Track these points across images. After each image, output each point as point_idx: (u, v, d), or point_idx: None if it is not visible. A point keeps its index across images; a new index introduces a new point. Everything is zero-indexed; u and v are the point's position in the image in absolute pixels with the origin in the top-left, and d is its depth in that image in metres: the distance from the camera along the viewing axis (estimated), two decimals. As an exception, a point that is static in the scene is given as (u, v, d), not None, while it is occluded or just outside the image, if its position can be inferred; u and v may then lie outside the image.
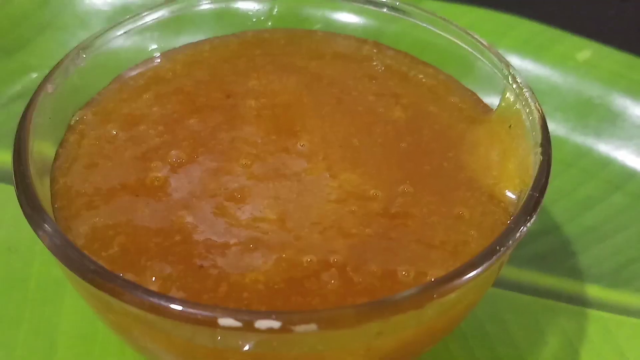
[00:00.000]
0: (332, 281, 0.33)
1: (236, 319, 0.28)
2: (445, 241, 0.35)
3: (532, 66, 0.60)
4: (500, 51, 0.42)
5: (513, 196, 0.37)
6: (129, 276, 0.33)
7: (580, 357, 0.44)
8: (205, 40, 0.47)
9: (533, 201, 0.33)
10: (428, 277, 0.33)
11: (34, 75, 0.58)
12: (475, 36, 0.43)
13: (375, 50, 0.47)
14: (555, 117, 0.57)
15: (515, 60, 0.57)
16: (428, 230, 0.36)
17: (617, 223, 0.51)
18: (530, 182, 0.36)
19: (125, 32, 0.44)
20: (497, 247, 0.31)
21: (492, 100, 0.42)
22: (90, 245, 0.34)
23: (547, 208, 0.52)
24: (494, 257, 0.30)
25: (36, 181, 0.34)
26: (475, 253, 0.33)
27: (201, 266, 0.33)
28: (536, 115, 0.38)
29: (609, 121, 0.56)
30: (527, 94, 0.39)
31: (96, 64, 0.43)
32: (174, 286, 0.32)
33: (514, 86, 0.40)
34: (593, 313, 0.46)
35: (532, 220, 0.32)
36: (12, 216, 0.46)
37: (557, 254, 0.49)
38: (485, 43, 0.42)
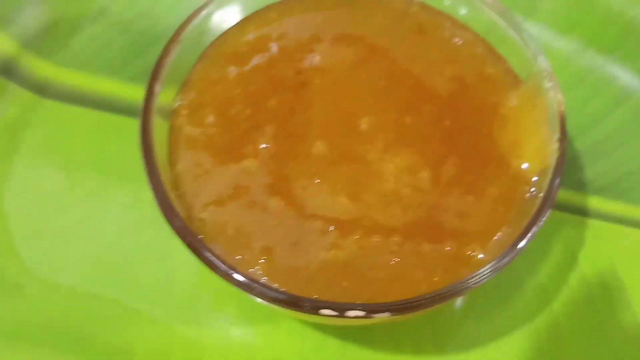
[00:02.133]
0: (395, 259, 0.45)
1: (332, 309, 0.41)
2: (481, 217, 0.46)
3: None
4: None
5: (533, 177, 0.47)
6: (246, 256, 0.45)
7: (578, 261, 0.57)
8: (271, 6, 0.53)
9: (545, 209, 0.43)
10: (466, 251, 0.45)
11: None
12: (512, 14, 0.50)
13: (420, 13, 0.53)
14: (575, 30, 0.64)
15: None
16: (466, 207, 0.46)
17: (620, 137, 0.61)
18: (548, 168, 0.46)
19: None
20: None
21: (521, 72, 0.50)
22: (212, 229, 0.45)
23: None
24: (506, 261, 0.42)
25: (168, 188, 0.44)
26: (502, 226, 0.44)
27: (295, 246, 0.45)
28: (556, 107, 0.47)
29: (623, 37, 0.63)
30: (550, 84, 0.47)
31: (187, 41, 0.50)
32: (279, 265, 0.44)
33: (540, 71, 0.48)
34: (591, 222, 0.58)
35: (542, 224, 0.43)
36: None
37: (567, 167, 0.60)
38: (520, 23, 0.49)
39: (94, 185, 0.56)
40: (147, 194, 0.44)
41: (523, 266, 0.55)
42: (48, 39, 0.62)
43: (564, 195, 0.58)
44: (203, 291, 0.53)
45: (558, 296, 0.55)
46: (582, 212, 0.58)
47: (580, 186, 0.59)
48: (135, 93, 0.60)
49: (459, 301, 0.54)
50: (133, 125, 0.47)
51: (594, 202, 0.58)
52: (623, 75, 0.62)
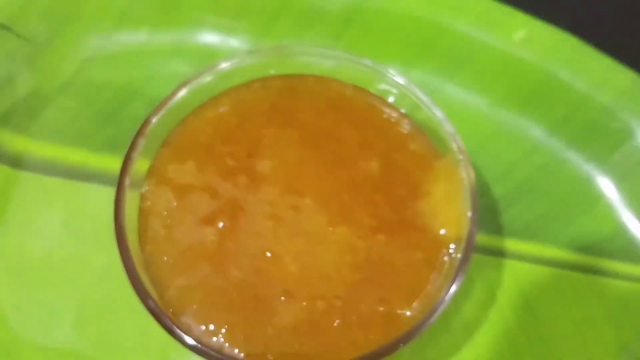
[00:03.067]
0: (338, 320, 0.53)
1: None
2: (407, 279, 0.55)
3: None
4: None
5: (452, 242, 0.56)
6: (209, 327, 0.53)
7: (497, 299, 0.66)
8: (224, 93, 0.61)
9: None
10: (396, 311, 0.54)
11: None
12: (431, 101, 0.58)
13: (355, 96, 0.62)
14: (494, 87, 0.72)
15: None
16: (395, 272, 0.55)
17: (530, 184, 0.70)
18: (463, 234, 0.55)
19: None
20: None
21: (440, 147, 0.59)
22: (179, 304, 0.54)
23: (481, 173, 0.70)
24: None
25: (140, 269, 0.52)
26: (429, 288, 0.54)
27: (254, 312, 0.53)
28: (467, 182, 0.55)
29: (534, 92, 0.72)
30: (464, 161, 0.56)
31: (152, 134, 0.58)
32: (239, 332, 0.53)
33: (455, 149, 0.57)
34: (508, 263, 0.67)
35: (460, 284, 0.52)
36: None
37: (486, 213, 0.69)
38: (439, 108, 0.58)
39: (72, 250, 0.63)
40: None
41: (449, 306, 0.64)
42: (20, 113, 0.68)
43: (483, 239, 0.67)
44: (176, 350, 0.60)
45: (480, 331, 0.64)
46: (500, 253, 0.67)
47: (498, 230, 0.68)
48: (104, 161, 0.67)
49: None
50: (104, 192, 0.57)
51: (510, 244, 0.68)
52: (534, 129, 0.71)
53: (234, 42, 0.72)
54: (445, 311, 0.62)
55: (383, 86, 0.60)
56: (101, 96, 0.70)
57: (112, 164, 0.66)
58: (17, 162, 0.66)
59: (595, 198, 0.69)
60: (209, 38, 0.72)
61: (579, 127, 0.71)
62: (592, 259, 0.67)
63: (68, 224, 0.64)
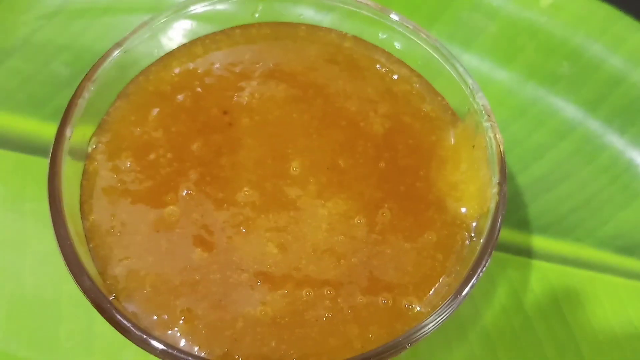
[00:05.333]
0: (327, 314, 0.41)
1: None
2: (418, 266, 0.43)
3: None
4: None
5: (473, 221, 0.44)
6: (162, 316, 0.41)
7: (523, 305, 0.54)
8: (197, 40, 0.50)
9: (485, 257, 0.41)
10: (403, 304, 0.42)
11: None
12: (449, 50, 0.47)
13: (354, 48, 0.51)
14: (516, 61, 0.62)
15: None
16: (403, 256, 0.44)
17: (562, 172, 0.59)
18: (488, 212, 0.43)
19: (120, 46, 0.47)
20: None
21: (460, 109, 0.48)
22: (127, 286, 0.42)
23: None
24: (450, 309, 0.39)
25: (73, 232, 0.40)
26: (441, 276, 0.42)
27: (220, 303, 0.41)
28: (495, 148, 0.44)
29: (566, 68, 0.61)
30: (489, 124, 0.45)
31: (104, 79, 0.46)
32: (201, 325, 0.41)
33: (478, 110, 0.45)
34: (536, 263, 0.56)
35: (482, 274, 0.40)
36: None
37: (510, 205, 0.58)
38: (457, 58, 0.47)
39: (10, 233, 0.52)
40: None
41: (466, 311, 0.52)
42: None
43: (506, 235, 0.56)
44: (125, 347, 0.49)
45: (502, 341, 0.52)
46: (526, 252, 0.56)
47: (523, 225, 0.57)
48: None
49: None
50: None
51: (538, 242, 0.56)
52: (566, 108, 0.60)
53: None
54: (462, 317, 0.51)
55: (389, 36, 0.49)
56: (59, 59, 0.59)
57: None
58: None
59: (638, 190, 0.58)
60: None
61: (617, 107, 0.61)
62: (636, 261, 0.55)
63: (6, 202, 0.54)
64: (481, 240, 0.42)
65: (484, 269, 0.40)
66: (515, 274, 0.55)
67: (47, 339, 0.50)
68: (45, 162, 0.51)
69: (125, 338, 0.39)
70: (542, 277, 0.55)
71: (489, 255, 0.41)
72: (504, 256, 0.56)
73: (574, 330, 0.53)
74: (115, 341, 0.48)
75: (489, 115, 0.45)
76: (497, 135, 0.44)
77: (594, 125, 0.60)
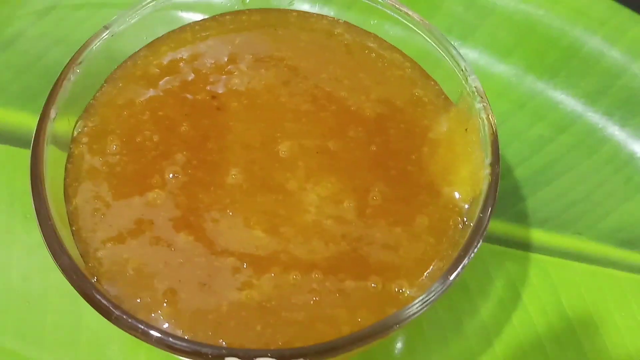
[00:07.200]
0: (315, 298, 0.40)
1: (239, 357, 0.36)
2: (409, 250, 0.42)
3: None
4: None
5: (465, 205, 0.43)
6: (145, 299, 0.40)
7: (522, 299, 0.52)
8: (186, 26, 0.49)
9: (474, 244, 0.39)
10: (393, 288, 0.41)
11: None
12: (441, 34, 0.46)
13: (346, 34, 0.50)
14: (515, 54, 0.61)
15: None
16: (394, 240, 0.42)
17: (562, 165, 0.57)
18: (480, 195, 0.42)
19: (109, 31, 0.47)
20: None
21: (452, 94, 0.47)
22: (110, 269, 0.41)
23: (501, 151, 0.58)
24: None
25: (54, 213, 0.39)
26: (434, 260, 0.40)
27: (204, 286, 0.40)
28: (487, 129, 0.43)
29: (564, 60, 0.60)
30: (481, 105, 0.44)
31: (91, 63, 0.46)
32: (184, 308, 0.40)
33: (471, 92, 0.44)
34: (535, 256, 0.54)
35: (473, 255, 0.39)
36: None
37: (507, 198, 0.56)
38: (450, 42, 0.46)
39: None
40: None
41: (463, 305, 0.51)
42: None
43: (504, 228, 0.55)
44: (112, 340, 0.48)
45: (501, 337, 0.50)
46: (525, 246, 0.55)
47: (522, 218, 0.56)
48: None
49: (397, 342, 0.49)
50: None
51: (537, 235, 0.55)
52: (565, 101, 0.59)
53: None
54: (459, 311, 0.49)
55: (381, 21, 0.48)
56: (50, 55, 0.58)
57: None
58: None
59: (639, 182, 0.56)
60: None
61: (617, 99, 0.60)
62: (638, 255, 0.54)
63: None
64: (472, 222, 0.41)
65: (475, 249, 0.39)
66: (513, 267, 0.53)
67: (33, 331, 0.49)
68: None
69: (110, 326, 0.38)
70: (541, 270, 0.53)
71: (481, 236, 0.39)
72: (501, 249, 0.54)
73: (574, 324, 0.51)
74: (101, 333, 0.48)
75: (481, 97, 0.44)
76: (490, 116, 0.43)
77: (595, 118, 0.59)
